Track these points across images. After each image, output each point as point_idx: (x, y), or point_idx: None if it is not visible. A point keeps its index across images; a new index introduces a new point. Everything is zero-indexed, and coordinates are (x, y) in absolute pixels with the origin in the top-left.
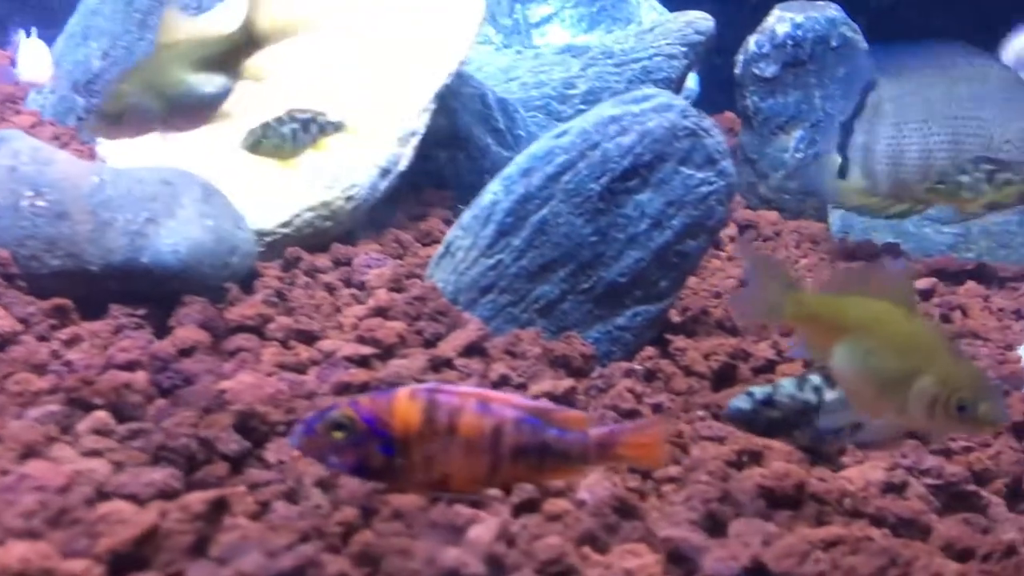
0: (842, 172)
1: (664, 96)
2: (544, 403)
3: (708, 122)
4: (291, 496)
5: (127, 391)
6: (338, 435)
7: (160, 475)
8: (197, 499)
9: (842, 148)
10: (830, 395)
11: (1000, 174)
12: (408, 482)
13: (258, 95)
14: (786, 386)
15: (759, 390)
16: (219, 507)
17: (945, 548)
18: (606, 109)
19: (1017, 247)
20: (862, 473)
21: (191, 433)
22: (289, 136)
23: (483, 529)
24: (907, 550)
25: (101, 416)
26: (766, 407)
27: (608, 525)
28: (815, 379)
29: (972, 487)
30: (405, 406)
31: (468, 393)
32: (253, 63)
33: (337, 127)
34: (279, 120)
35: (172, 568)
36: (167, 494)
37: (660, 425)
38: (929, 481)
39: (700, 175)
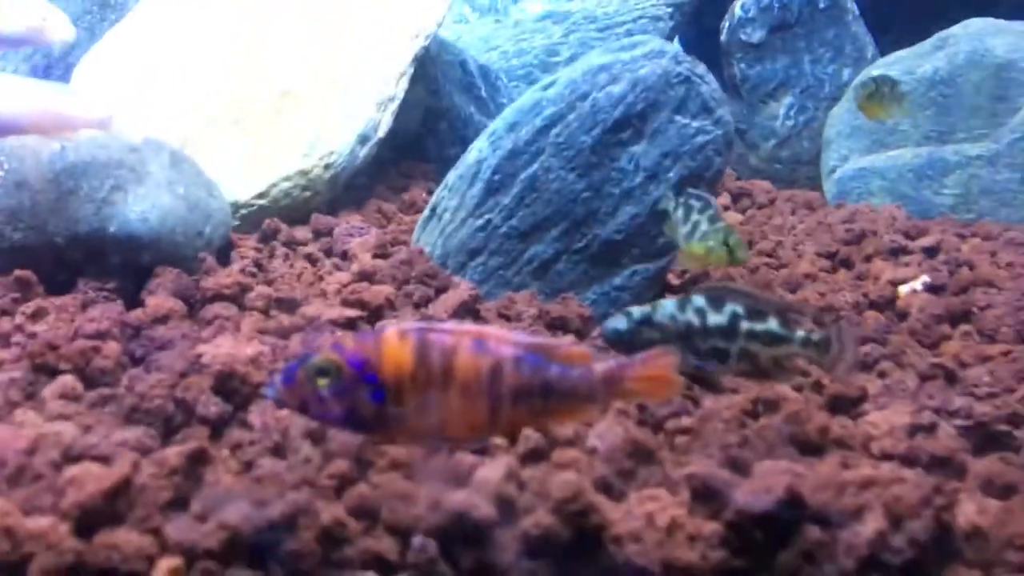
0: None
1: (656, 42)
2: (544, 338)
3: (702, 68)
4: (278, 451)
5: (96, 356)
6: (322, 382)
7: (133, 434)
8: (174, 453)
9: None
10: (714, 318)
11: None
12: (401, 432)
13: (236, 66)
14: (667, 307)
15: (638, 310)
16: (199, 460)
17: (985, 486)
18: (595, 58)
19: (1019, 206)
20: (886, 418)
21: (167, 395)
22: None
23: (490, 471)
24: (949, 483)
25: (68, 381)
26: (645, 327)
27: (623, 471)
28: (698, 300)
29: (1005, 427)
30: (395, 347)
31: (462, 331)
32: None
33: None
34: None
35: (148, 524)
36: (142, 452)
37: (668, 356)
38: (959, 422)
39: (696, 124)
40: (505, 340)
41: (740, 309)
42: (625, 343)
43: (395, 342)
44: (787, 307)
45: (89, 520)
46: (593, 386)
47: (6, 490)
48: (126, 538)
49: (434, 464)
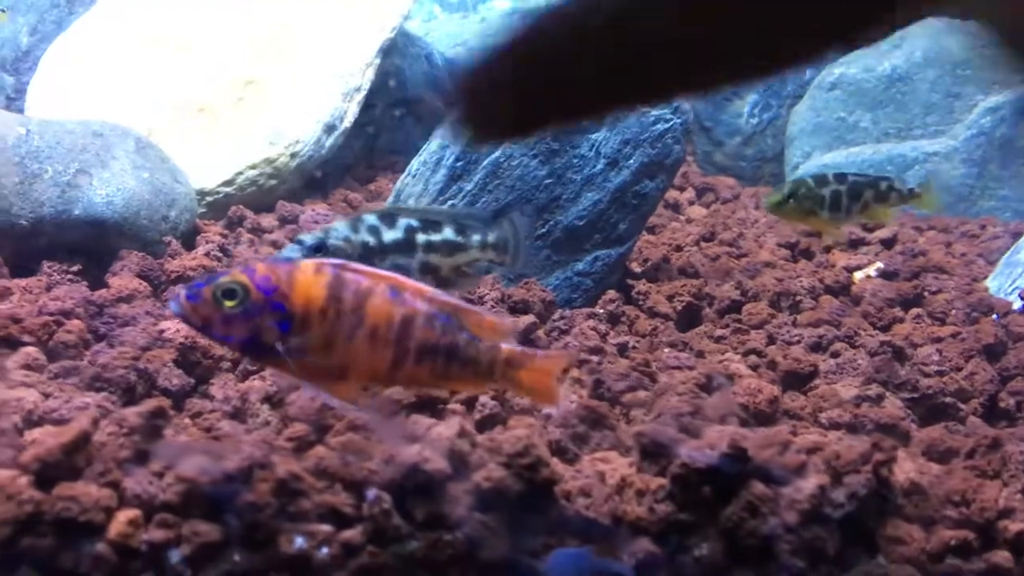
0: None
1: None
2: (463, 303)
3: None
4: (237, 416)
5: (59, 329)
6: (228, 304)
7: (95, 399)
8: (133, 412)
9: None
10: (389, 235)
11: None
12: (300, 366)
13: (202, 55)
14: (340, 229)
15: (310, 236)
16: (158, 417)
17: (926, 452)
18: None
19: (975, 201)
20: (835, 391)
21: (129, 366)
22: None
23: (444, 428)
24: (887, 442)
25: (31, 352)
26: (319, 254)
27: (577, 435)
28: (370, 219)
29: (949, 399)
30: (308, 279)
31: (381, 276)
32: None
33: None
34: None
35: (107, 478)
36: (103, 414)
37: (563, 358)
38: (905, 395)
39: (656, 113)
40: (422, 294)
41: (415, 222)
42: None
43: (309, 273)
44: (461, 215)
45: (49, 473)
46: (495, 362)
47: None
48: (84, 490)
49: (391, 423)
